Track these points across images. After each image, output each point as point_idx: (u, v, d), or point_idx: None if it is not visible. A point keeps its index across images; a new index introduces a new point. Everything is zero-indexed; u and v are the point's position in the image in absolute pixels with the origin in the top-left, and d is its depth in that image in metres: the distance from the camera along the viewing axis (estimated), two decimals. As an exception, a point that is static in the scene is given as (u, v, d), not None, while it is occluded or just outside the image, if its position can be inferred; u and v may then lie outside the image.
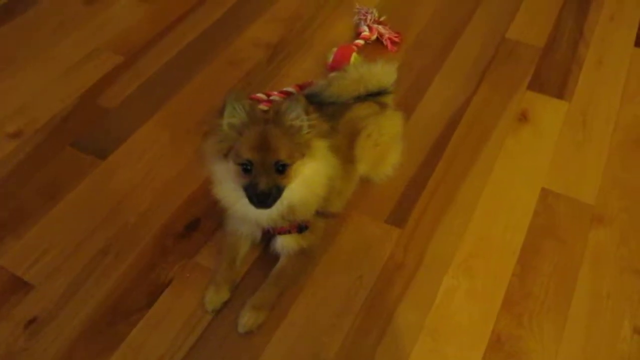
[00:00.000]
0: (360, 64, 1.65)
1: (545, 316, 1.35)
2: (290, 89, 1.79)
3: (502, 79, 1.91)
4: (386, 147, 1.56)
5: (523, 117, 1.79)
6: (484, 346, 1.30)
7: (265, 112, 1.33)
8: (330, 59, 1.87)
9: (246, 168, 1.22)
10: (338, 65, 1.85)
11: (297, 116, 1.24)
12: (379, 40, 2.01)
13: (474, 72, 1.94)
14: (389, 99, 1.62)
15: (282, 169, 1.22)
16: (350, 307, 1.36)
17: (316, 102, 1.44)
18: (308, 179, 1.28)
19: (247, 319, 1.30)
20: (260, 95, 1.79)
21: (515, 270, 1.43)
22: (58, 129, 1.75)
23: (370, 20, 2.03)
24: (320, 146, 1.29)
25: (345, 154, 1.43)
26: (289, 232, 1.36)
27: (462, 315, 1.35)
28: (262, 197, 1.21)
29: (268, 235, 1.40)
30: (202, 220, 1.51)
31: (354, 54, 1.87)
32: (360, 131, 1.50)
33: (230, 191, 1.29)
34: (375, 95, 1.57)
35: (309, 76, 1.87)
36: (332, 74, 1.69)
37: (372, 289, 1.39)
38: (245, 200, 1.24)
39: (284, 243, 1.38)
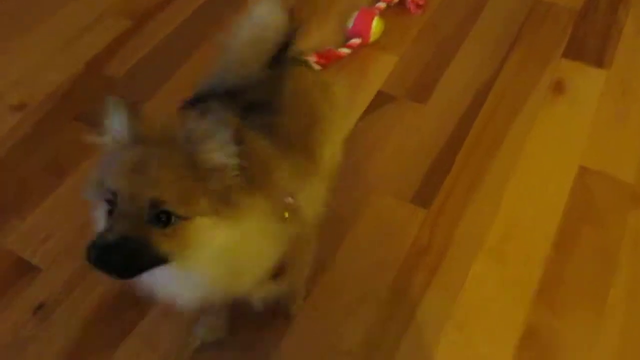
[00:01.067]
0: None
1: (580, 305, 1.27)
2: (309, 58, 1.67)
3: (535, 46, 1.78)
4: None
5: (558, 88, 1.67)
6: (515, 338, 1.22)
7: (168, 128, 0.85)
8: (351, 24, 1.75)
9: (110, 207, 0.78)
10: (359, 31, 1.73)
11: (221, 146, 0.78)
12: (402, 3, 1.88)
13: (503, 38, 1.81)
14: (296, 53, 1.13)
15: (164, 219, 0.76)
16: (372, 294, 1.28)
17: (222, 95, 0.99)
18: (224, 253, 0.81)
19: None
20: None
21: (550, 255, 1.34)
22: (63, 100, 1.66)
23: (394, -19, 1.89)
24: (257, 207, 0.82)
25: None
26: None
27: (492, 304, 1.27)
28: (100, 251, 0.75)
29: None
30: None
31: (376, 18, 1.74)
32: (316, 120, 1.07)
33: None
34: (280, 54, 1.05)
35: (327, 43, 1.75)
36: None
37: (395, 275, 1.31)
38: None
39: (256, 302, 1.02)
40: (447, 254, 1.34)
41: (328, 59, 1.69)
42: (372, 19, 1.74)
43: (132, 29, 1.84)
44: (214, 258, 0.82)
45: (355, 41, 1.72)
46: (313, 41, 1.78)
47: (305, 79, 1.14)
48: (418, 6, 1.88)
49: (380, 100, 1.64)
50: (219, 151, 0.78)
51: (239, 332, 1.22)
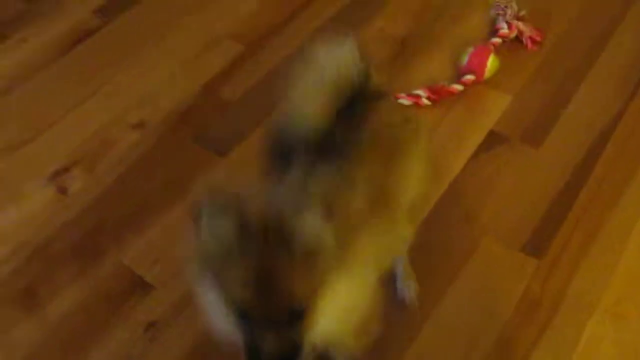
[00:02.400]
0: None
1: None
2: (420, 92, 1.66)
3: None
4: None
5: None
6: (633, 409, 1.15)
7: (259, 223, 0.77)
8: (465, 60, 1.72)
9: (240, 314, 0.77)
10: (473, 67, 1.70)
11: (316, 235, 0.75)
12: (517, 38, 1.83)
13: (628, 78, 1.72)
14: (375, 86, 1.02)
15: (297, 316, 0.76)
16: (479, 346, 1.25)
17: (291, 140, 0.94)
18: (337, 311, 0.81)
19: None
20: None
21: (674, 321, 1.25)
22: (180, 121, 1.73)
23: (510, 15, 1.85)
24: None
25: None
26: None
27: (608, 370, 1.20)
28: None
29: None
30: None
31: (492, 56, 1.70)
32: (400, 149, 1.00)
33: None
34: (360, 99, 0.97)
35: (439, 78, 1.73)
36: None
37: (502, 328, 1.27)
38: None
39: None
40: (561, 310, 1.28)
41: (440, 95, 1.67)
42: (488, 56, 1.70)
43: (246, 53, 1.90)
44: (338, 316, 0.82)
45: (469, 78, 1.69)
46: (424, 76, 1.76)
47: (386, 114, 1.03)
48: (535, 42, 1.82)
49: (492, 140, 1.60)
50: (314, 239, 0.75)
51: None
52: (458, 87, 1.68)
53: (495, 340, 1.25)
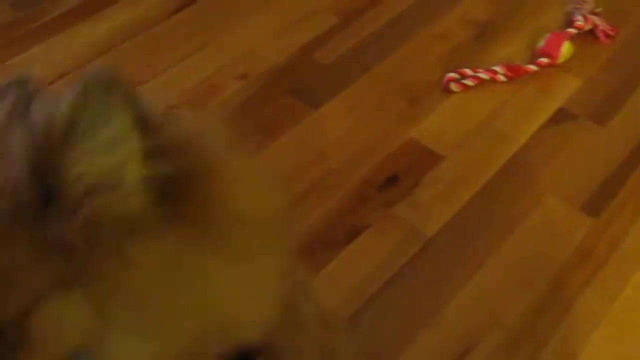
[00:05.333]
0: None
1: None
2: (497, 68, 1.83)
3: None
4: None
5: None
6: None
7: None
8: (541, 44, 1.88)
9: None
10: (548, 51, 1.86)
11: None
12: (592, 32, 1.98)
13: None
14: None
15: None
16: (534, 282, 1.41)
17: None
18: None
19: None
20: (466, 70, 1.85)
21: None
22: (278, 76, 1.95)
23: (586, 10, 2.00)
24: None
25: None
26: None
27: (650, 312, 1.35)
28: None
29: None
30: (401, 177, 1.63)
31: (567, 42, 1.86)
32: None
33: None
34: None
35: (516, 58, 1.90)
36: None
37: (557, 270, 1.43)
38: None
39: None
40: (611, 260, 1.43)
41: (515, 72, 1.83)
42: (563, 42, 1.86)
43: (339, 25, 2.11)
44: None
45: (544, 60, 1.85)
46: (501, 56, 1.93)
47: None
48: (608, 36, 1.96)
49: (560, 116, 1.75)
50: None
51: (411, 287, 1.41)
52: (533, 68, 1.84)
53: (549, 280, 1.41)
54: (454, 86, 1.83)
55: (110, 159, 0.40)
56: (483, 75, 1.82)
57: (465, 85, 1.83)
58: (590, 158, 1.64)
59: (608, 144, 1.67)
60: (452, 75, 1.85)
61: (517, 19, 2.07)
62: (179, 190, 0.43)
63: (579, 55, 1.89)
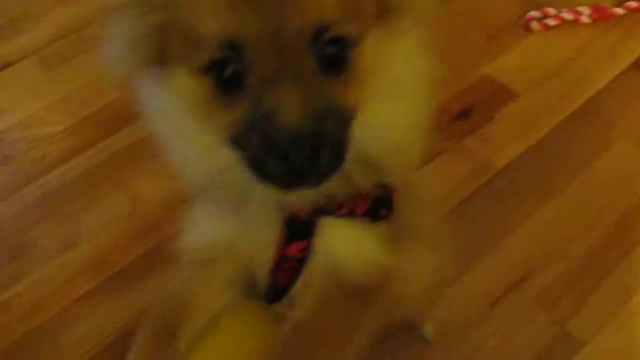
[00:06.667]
0: None
1: None
2: (583, 8, 1.80)
3: None
4: None
5: None
6: None
7: None
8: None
9: (226, 74, 0.49)
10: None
11: None
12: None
13: None
14: None
15: (336, 55, 0.50)
16: (600, 222, 1.44)
17: None
18: (401, 77, 0.61)
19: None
20: (549, 10, 1.82)
21: None
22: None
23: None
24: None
25: None
26: (352, 214, 0.64)
27: None
28: (302, 161, 0.48)
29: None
30: (475, 111, 1.65)
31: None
32: None
33: (194, 152, 0.58)
34: None
35: (603, 1, 1.86)
36: None
37: (622, 214, 1.45)
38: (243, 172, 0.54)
39: (339, 252, 0.67)
40: (678, 209, 1.45)
41: (601, 15, 1.80)
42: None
43: None
44: (384, 88, 0.57)
45: (632, 4, 1.80)
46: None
47: None
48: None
49: (644, 63, 1.73)
50: None
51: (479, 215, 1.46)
52: (620, 11, 1.80)
53: (613, 223, 1.44)
54: (535, 25, 1.81)
55: None
56: (566, 15, 1.79)
57: (546, 25, 1.81)
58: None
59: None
60: (534, 13, 1.82)
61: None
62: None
63: (670, 2, 1.83)
